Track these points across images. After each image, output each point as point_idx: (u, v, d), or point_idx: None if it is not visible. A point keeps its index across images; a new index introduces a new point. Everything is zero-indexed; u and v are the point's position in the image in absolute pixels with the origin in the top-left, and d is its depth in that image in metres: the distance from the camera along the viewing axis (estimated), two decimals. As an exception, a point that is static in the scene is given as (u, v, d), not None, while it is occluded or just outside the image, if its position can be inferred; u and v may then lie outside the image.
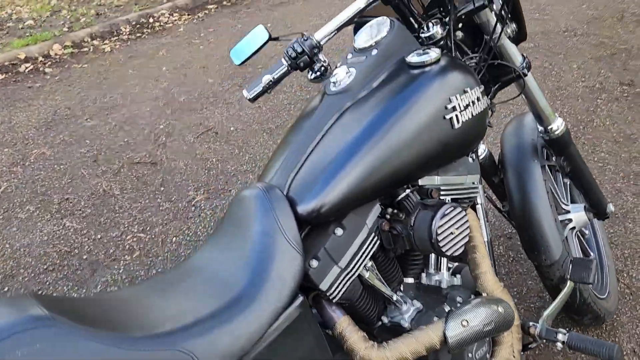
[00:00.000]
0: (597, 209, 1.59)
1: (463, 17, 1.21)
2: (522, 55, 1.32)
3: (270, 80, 1.18)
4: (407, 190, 1.04)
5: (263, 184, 1.01)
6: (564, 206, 1.55)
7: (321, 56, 1.15)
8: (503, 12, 1.19)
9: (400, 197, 1.04)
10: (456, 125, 0.99)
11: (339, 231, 0.97)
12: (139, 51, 4.65)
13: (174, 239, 2.33)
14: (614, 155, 2.51)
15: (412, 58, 1.03)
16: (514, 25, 1.28)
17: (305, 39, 1.14)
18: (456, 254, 0.99)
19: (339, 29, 1.19)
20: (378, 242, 1.02)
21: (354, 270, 0.98)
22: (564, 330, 1.09)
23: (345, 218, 0.98)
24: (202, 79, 3.95)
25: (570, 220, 1.55)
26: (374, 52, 1.07)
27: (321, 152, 1.00)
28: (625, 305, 1.72)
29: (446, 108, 0.98)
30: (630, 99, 3.04)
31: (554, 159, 1.53)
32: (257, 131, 3.14)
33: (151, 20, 5.32)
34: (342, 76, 1.07)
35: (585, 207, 1.57)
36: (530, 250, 1.42)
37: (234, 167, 2.81)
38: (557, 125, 1.42)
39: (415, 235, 0.99)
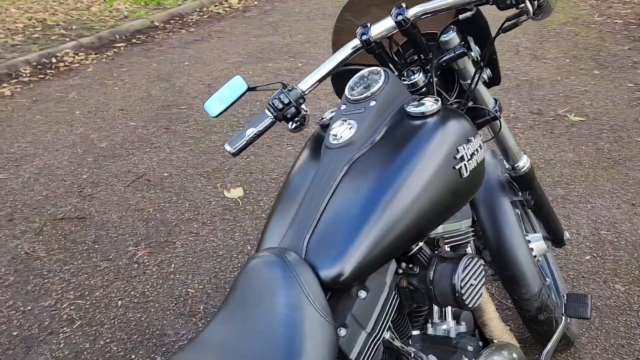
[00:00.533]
0: (555, 236, 1.69)
1: (443, 64, 1.25)
2: (494, 99, 1.39)
3: (255, 133, 1.15)
4: (420, 243, 1.04)
5: (275, 249, 0.95)
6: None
7: (303, 106, 1.13)
8: (481, 59, 1.24)
9: (413, 251, 1.03)
10: (465, 175, 1.01)
11: (362, 294, 0.94)
12: (44, 94, 4.30)
13: (119, 302, 2.14)
14: (539, 180, 2.72)
15: (413, 109, 1.03)
16: (489, 70, 1.35)
17: (290, 89, 1.12)
18: (477, 305, 0.99)
19: (322, 79, 1.18)
20: (398, 300, 1.00)
21: (380, 333, 0.95)
22: None
23: (367, 279, 0.95)
24: (122, 122, 3.73)
25: (531, 249, 1.64)
26: (372, 103, 1.06)
27: (335, 211, 0.96)
28: (581, 326, 1.84)
29: (455, 158, 1.00)
30: (542, 126, 3.34)
31: (519, 193, 1.61)
32: (194, 176, 3.01)
33: (54, 60, 4.96)
34: (343, 129, 1.05)
35: (544, 236, 1.67)
36: (509, 286, 1.46)
37: (175, 216, 2.66)
38: (524, 162, 1.51)
39: (436, 290, 0.98)
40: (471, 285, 0.98)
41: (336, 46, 1.44)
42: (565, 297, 1.22)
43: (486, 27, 1.24)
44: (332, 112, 1.23)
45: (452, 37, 1.22)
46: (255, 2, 7.13)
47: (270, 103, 1.13)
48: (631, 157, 2.92)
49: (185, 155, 3.24)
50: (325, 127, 1.20)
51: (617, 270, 2.11)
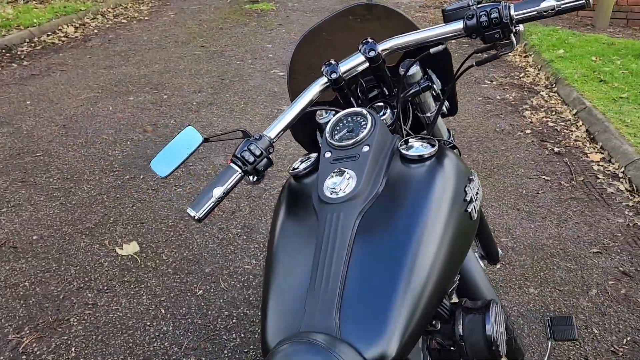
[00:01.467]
0: (491, 254, 1.78)
1: (409, 98, 1.23)
2: (447, 129, 1.40)
3: (223, 192, 1.00)
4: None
5: (305, 335, 0.81)
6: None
7: (271, 156, 1.03)
8: (445, 92, 1.24)
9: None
10: (474, 217, 0.99)
11: None
12: None
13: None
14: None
15: (411, 152, 0.98)
16: (447, 102, 1.35)
17: (258, 138, 1.00)
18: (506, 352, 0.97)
19: (290, 123, 1.08)
20: None
21: None
22: None
23: None
24: (-41, 180, 3.09)
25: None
26: (366, 148, 0.99)
27: (360, 280, 0.85)
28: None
29: (465, 200, 0.96)
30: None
31: None
32: (73, 235, 2.59)
33: None
34: (342, 181, 0.95)
35: (480, 254, 1.74)
36: None
37: (61, 288, 2.24)
38: None
39: (467, 345, 0.93)
40: (502, 333, 0.95)
41: (294, 88, 1.34)
42: (550, 321, 1.25)
43: (449, 60, 1.25)
44: (304, 160, 1.13)
45: (416, 71, 1.20)
46: (95, 31, 6.54)
47: (239, 156, 0.99)
48: (502, 165, 3.26)
49: (56, 211, 2.78)
50: (300, 177, 1.09)
51: (526, 275, 2.30)
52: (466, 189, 0.98)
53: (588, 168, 3.27)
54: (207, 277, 2.31)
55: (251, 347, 1.94)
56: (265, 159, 1.00)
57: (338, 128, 1.06)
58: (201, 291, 2.23)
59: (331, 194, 0.94)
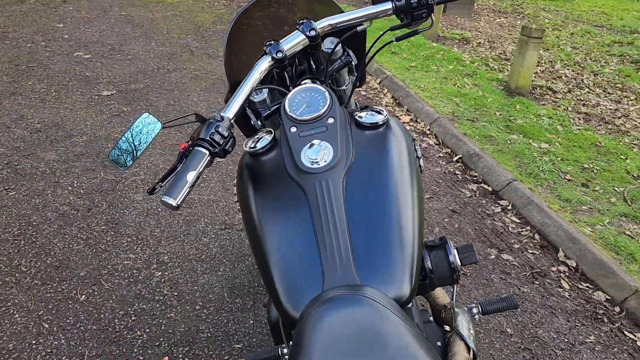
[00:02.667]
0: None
1: (333, 73, 1.37)
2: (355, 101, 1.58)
3: (195, 177, 1.03)
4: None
5: (334, 290, 0.91)
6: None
7: None
8: (362, 66, 1.41)
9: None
10: (423, 169, 1.19)
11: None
12: None
13: None
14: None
15: (369, 119, 1.14)
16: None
17: (219, 119, 1.04)
18: None
19: (245, 102, 1.14)
20: None
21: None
22: (474, 304, 1.24)
23: None
24: None
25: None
26: (331, 120, 1.11)
27: (363, 234, 0.96)
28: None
29: (417, 157, 1.17)
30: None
31: None
32: None
33: None
34: (321, 152, 1.07)
35: None
36: None
37: None
38: None
39: (436, 276, 1.10)
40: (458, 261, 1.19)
41: (233, 67, 1.35)
42: (457, 250, 1.51)
43: (364, 38, 1.42)
44: (258, 139, 1.19)
45: (338, 48, 1.35)
46: None
47: (209, 138, 1.03)
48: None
49: None
50: (259, 155, 1.16)
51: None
52: (416, 147, 1.18)
53: (403, 128, 3.84)
54: (85, 280, 2.12)
55: (161, 339, 1.89)
56: (231, 139, 1.04)
57: (295, 104, 1.15)
58: (84, 296, 2.05)
59: (312, 164, 1.04)
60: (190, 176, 0.98)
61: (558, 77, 5.16)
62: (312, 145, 1.07)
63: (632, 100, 4.67)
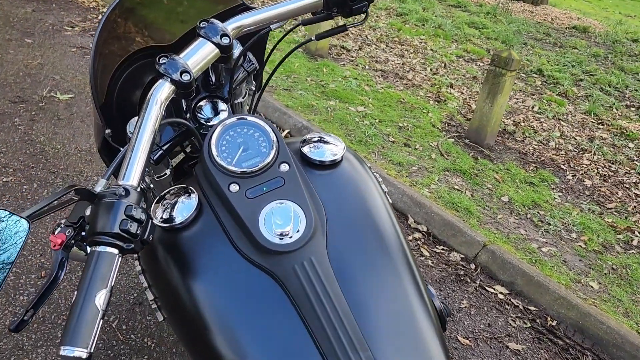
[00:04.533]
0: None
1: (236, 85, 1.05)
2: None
3: (107, 300, 0.67)
4: None
5: None
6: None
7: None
8: (270, 74, 1.10)
9: None
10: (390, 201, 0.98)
11: None
12: None
13: None
14: (99, 173, 2.47)
15: (323, 155, 0.87)
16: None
17: (124, 193, 0.67)
18: None
19: (147, 162, 0.78)
20: None
21: None
22: None
23: None
24: None
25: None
26: (285, 167, 0.82)
27: (368, 310, 0.75)
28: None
29: (381, 186, 0.94)
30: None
31: None
32: None
33: None
34: (290, 220, 0.76)
35: None
36: None
37: None
38: None
39: None
40: None
41: (101, 85, 0.89)
42: None
43: (266, 38, 1.07)
44: (171, 203, 0.81)
45: (238, 53, 1.00)
46: None
47: (117, 231, 0.65)
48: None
49: None
50: (178, 230, 0.80)
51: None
52: (376, 175, 0.94)
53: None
54: None
55: None
56: (149, 222, 0.68)
57: (225, 148, 0.80)
58: None
59: (281, 239, 0.73)
60: (100, 299, 0.59)
61: (346, 34, 5.32)
62: (272, 210, 0.75)
63: (412, 53, 5.09)
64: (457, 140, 3.47)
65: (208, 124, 0.99)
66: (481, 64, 5.12)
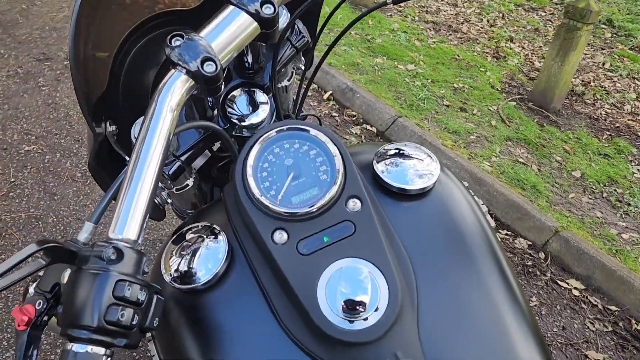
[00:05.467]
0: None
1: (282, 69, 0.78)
2: None
3: None
4: None
5: None
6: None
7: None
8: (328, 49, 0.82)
9: None
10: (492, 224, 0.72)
11: None
12: None
13: None
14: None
15: (410, 182, 0.60)
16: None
17: (114, 258, 0.45)
18: None
19: (148, 206, 0.52)
20: None
21: None
22: None
23: None
24: None
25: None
26: (355, 205, 0.56)
27: None
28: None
29: (486, 218, 0.67)
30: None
31: None
32: None
33: None
34: (366, 292, 0.51)
35: None
36: None
37: None
38: None
39: None
40: None
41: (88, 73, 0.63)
42: None
43: (320, 3, 0.78)
44: (193, 249, 0.57)
45: (286, 21, 0.72)
46: None
47: (107, 322, 0.43)
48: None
49: None
50: (201, 293, 0.55)
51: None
52: (476, 198, 0.67)
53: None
54: None
55: None
56: (156, 299, 0.44)
57: (265, 174, 0.54)
58: None
59: (351, 322, 0.47)
60: None
61: (392, -20, 4.85)
62: (336, 274, 0.50)
63: (466, 2, 4.60)
64: (520, 103, 3.09)
65: (242, 123, 0.73)
66: (543, 14, 4.60)
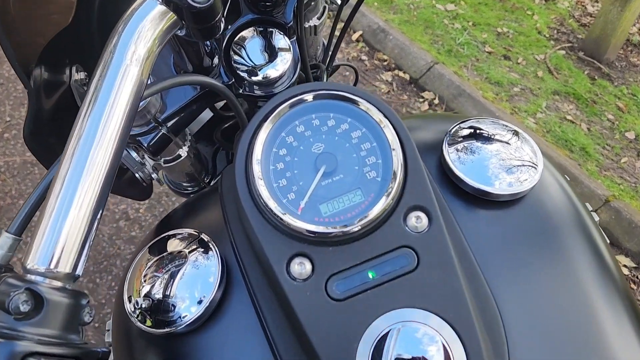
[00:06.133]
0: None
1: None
2: None
3: None
4: None
5: None
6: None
7: None
8: None
9: None
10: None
11: None
12: None
13: None
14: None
15: (502, 188, 0.40)
16: None
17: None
18: None
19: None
20: None
21: None
22: None
23: None
24: None
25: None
26: (421, 221, 0.36)
27: None
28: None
29: (590, 214, 0.49)
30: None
31: None
32: None
33: None
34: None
35: None
36: None
37: None
38: None
39: None
40: None
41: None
42: None
43: None
44: (171, 268, 0.39)
45: None
46: None
47: None
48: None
49: None
50: (189, 335, 0.37)
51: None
52: (587, 207, 0.49)
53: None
54: None
55: None
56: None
57: (283, 167, 0.34)
58: None
59: None
60: None
61: None
62: (388, 334, 0.31)
63: None
64: (569, 52, 2.79)
65: (253, 78, 0.52)
66: (598, -49, 4.14)
